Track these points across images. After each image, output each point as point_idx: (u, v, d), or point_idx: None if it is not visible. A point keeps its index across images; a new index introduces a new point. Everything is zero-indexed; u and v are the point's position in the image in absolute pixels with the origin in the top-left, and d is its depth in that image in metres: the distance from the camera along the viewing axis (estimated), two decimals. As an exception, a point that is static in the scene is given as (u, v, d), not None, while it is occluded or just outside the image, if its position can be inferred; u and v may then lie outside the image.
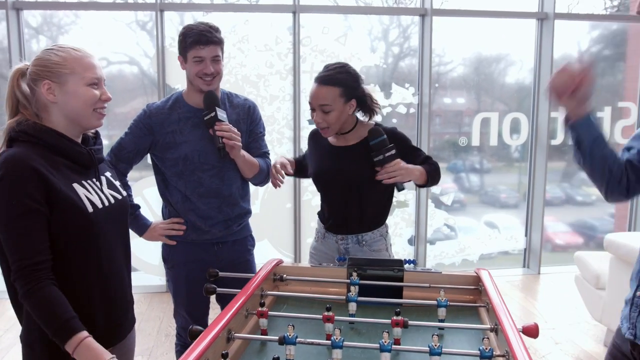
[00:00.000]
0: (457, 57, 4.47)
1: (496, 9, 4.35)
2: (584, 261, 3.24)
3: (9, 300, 1.29)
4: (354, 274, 1.53)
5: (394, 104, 4.21)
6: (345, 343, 1.11)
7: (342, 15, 4.21)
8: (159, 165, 2.01)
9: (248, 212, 2.11)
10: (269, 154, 2.14)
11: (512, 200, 4.73)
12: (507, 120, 4.43)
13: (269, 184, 2.01)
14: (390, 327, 1.22)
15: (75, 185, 1.30)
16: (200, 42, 1.84)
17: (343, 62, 1.87)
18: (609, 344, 1.47)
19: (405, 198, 4.31)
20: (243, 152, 1.95)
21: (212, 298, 1.96)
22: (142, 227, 2.02)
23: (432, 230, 4.43)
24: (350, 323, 1.36)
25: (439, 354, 1.08)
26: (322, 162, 1.98)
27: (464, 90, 4.56)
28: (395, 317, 1.22)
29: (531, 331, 1.19)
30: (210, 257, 2.01)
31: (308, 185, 4.10)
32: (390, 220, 2.22)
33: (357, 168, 1.87)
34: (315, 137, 2.05)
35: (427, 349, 1.09)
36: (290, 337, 1.11)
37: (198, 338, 1.07)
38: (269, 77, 4.02)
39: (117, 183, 1.48)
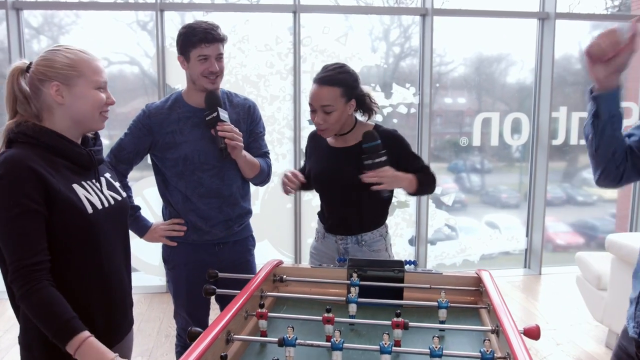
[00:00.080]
0: (458, 57, 4.47)
1: (497, 9, 4.35)
2: (585, 262, 3.23)
3: (8, 301, 1.29)
4: (354, 275, 1.52)
5: (394, 104, 4.21)
6: (346, 345, 1.10)
7: (343, 15, 4.20)
8: (159, 166, 2.00)
9: (249, 212, 2.10)
10: (269, 153, 2.14)
11: (513, 200, 4.72)
12: (508, 120, 4.42)
13: (269, 184, 2.00)
14: (390, 329, 1.21)
15: (75, 186, 1.29)
16: (206, 40, 1.83)
17: (341, 63, 1.87)
18: (614, 346, 1.46)
19: (405, 198, 4.31)
20: (244, 153, 1.94)
21: (213, 299, 1.96)
22: (143, 228, 2.01)
23: (433, 230, 4.42)
24: (351, 324, 1.35)
25: (440, 355, 1.08)
26: (321, 163, 1.98)
27: (465, 90, 4.55)
28: (395, 319, 1.21)
29: (532, 333, 1.18)
30: (210, 258, 2.01)
31: (308, 185, 4.09)
32: (390, 221, 2.21)
33: (357, 169, 1.86)
34: (314, 139, 2.05)
35: (428, 350, 1.08)
36: (290, 338, 1.11)
37: (197, 340, 1.06)
38: (269, 77, 4.02)
39: (117, 184, 1.47)
